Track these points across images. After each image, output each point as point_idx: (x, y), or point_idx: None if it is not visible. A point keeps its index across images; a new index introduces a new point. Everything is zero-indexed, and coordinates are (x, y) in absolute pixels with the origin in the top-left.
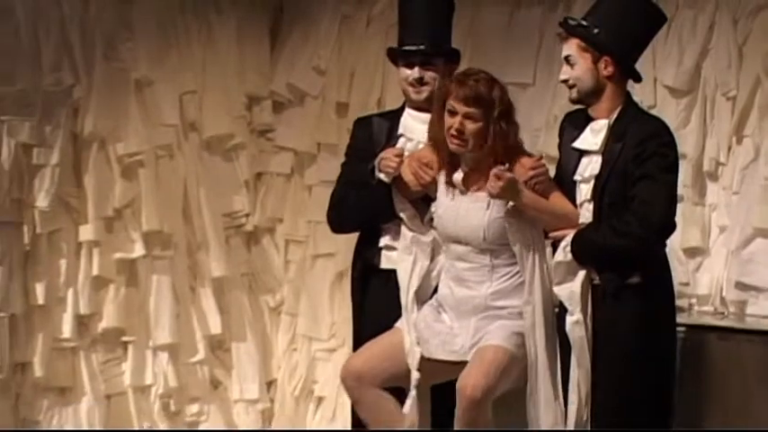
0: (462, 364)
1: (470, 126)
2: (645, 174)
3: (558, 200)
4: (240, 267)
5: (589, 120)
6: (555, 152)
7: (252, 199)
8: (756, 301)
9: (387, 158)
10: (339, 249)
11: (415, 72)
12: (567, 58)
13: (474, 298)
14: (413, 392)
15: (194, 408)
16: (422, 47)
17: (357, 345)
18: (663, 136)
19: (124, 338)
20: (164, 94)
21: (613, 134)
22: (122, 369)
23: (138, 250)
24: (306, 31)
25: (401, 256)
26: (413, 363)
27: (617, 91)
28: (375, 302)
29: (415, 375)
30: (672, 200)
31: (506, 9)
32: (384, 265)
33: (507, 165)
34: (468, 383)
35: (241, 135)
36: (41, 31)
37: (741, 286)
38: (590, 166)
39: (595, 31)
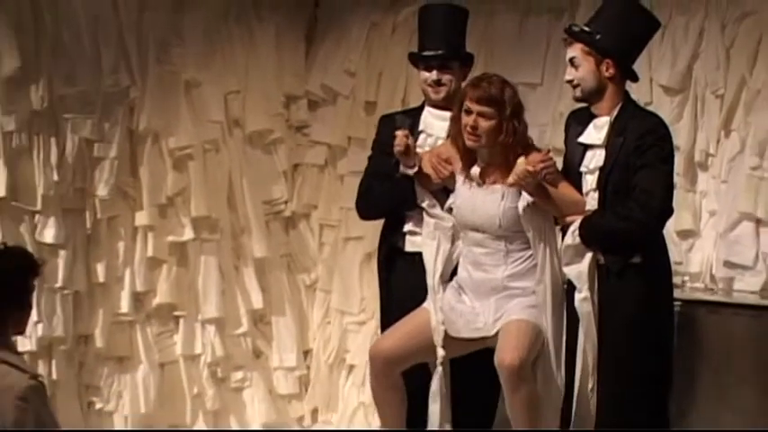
0: (484, 340)
1: (483, 123)
2: (644, 164)
3: (566, 189)
4: (279, 249)
5: (592, 117)
6: (561, 145)
7: (289, 188)
8: (742, 278)
9: (396, 139)
10: (367, 233)
11: (433, 74)
12: (571, 61)
13: (491, 280)
14: (439, 369)
15: (239, 375)
16: (440, 52)
17: (384, 320)
18: (660, 130)
19: (176, 313)
20: (210, 94)
21: (615, 129)
22: (174, 340)
23: (188, 234)
24: (338, 37)
25: (425, 240)
26: (438, 340)
27: (617, 90)
28: (400, 283)
29: (440, 353)
30: (669, 187)
31: (517, 17)
32: (408, 248)
33: (525, 158)
34: (506, 358)
35: (280, 131)
36: (101, 38)
37: (729, 265)
38: (594, 159)
39: (598, 36)
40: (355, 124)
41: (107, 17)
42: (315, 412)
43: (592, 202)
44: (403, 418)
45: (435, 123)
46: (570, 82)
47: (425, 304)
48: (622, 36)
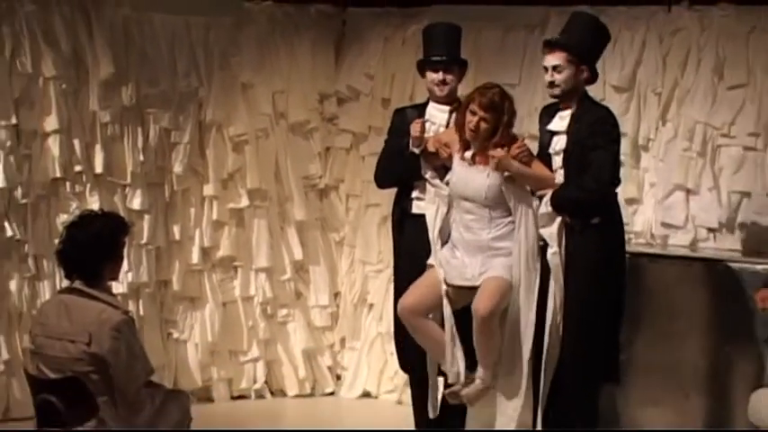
0: (474, 289)
1: (483, 125)
2: (596, 145)
3: (538, 168)
4: (315, 213)
5: (558, 110)
6: (536, 132)
7: (323, 166)
8: (675, 236)
9: (413, 126)
10: (383, 201)
11: (439, 75)
12: (555, 67)
13: (479, 241)
14: (447, 310)
15: (284, 311)
16: (443, 57)
17: (396, 269)
18: (608, 119)
19: (235, 263)
20: (261, 93)
21: (574, 119)
22: (234, 285)
23: (244, 202)
24: (360, 48)
25: (427, 205)
26: (442, 286)
27: (579, 89)
28: (409, 238)
29: (443, 287)
30: (616, 162)
31: (499, 32)
32: (414, 211)
33: (505, 148)
34: (480, 307)
35: (315, 121)
36: (177, 50)
37: (665, 225)
38: (559, 143)
39: (571, 44)
40: (374, 116)
41: (181, 34)
42: (343, 340)
43: (560, 178)
44: (442, 338)
45: (438, 114)
46: (552, 84)
47: (429, 260)
48: (591, 47)
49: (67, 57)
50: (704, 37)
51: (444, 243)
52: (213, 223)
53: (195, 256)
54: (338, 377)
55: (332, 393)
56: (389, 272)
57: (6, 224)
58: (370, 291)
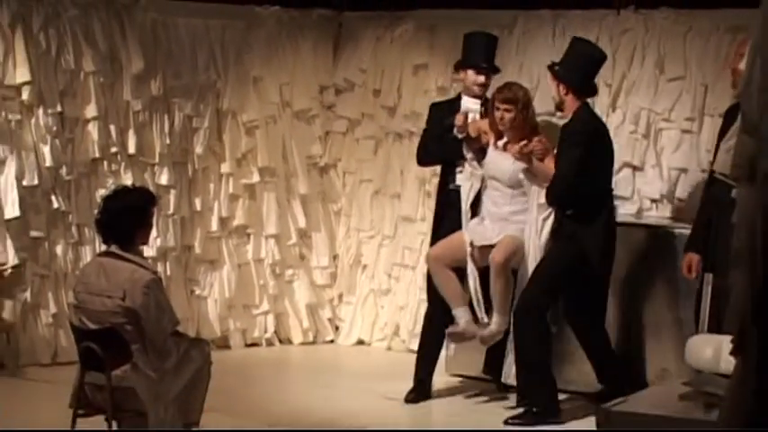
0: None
1: (507, 115)
2: (561, 150)
3: (549, 164)
4: (316, 188)
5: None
6: None
7: (323, 147)
8: (624, 205)
9: (458, 117)
10: (374, 177)
11: (482, 78)
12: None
13: (500, 213)
14: (470, 267)
15: (290, 271)
16: (485, 65)
17: (434, 232)
18: (577, 128)
19: (248, 231)
20: (270, 85)
21: (564, 126)
22: (247, 249)
23: (256, 178)
24: (354, 46)
25: (463, 181)
26: (467, 248)
27: (573, 102)
28: (446, 207)
29: (467, 239)
30: (571, 165)
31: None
32: (451, 186)
33: (526, 141)
34: (496, 256)
35: (316, 109)
36: (197, 49)
37: (615, 197)
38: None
39: (557, 68)
40: (366, 104)
41: (201, 34)
42: (340, 296)
43: None
44: (459, 288)
45: (472, 107)
46: (553, 98)
47: (463, 229)
48: (573, 68)
49: (104, 54)
50: (648, 36)
51: (474, 215)
52: (229, 196)
53: (214, 225)
54: (336, 327)
55: (331, 341)
56: (380, 237)
57: (53, 198)
58: (364, 253)
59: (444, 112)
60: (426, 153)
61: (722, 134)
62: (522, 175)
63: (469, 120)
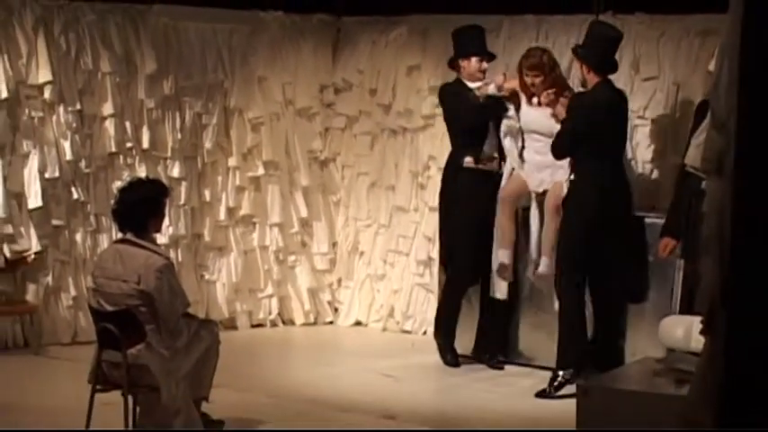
0: (544, 193)
1: (536, 80)
2: (568, 113)
3: (562, 109)
4: (317, 180)
5: None
6: None
7: (323, 142)
8: None
9: (498, 78)
10: (370, 170)
11: (485, 64)
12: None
13: (546, 161)
14: (534, 209)
15: (292, 257)
16: (485, 53)
17: (447, 214)
18: (575, 100)
19: (253, 220)
20: (273, 84)
21: (578, 94)
22: (253, 237)
23: (261, 171)
24: (352, 48)
25: (506, 137)
26: (531, 187)
27: (594, 78)
28: (463, 188)
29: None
30: (564, 133)
31: None
32: (466, 165)
33: (553, 89)
34: (550, 202)
35: (317, 107)
36: (207, 51)
37: None
38: None
39: (579, 50)
40: (363, 103)
41: (210, 38)
42: (339, 280)
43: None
44: (511, 233)
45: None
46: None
47: (515, 171)
48: (591, 48)
49: (120, 56)
50: (624, 39)
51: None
52: (236, 188)
53: (222, 214)
54: (336, 310)
55: (331, 323)
56: (376, 226)
57: (73, 189)
58: (361, 241)
59: (459, 89)
60: (477, 117)
61: (693, 129)
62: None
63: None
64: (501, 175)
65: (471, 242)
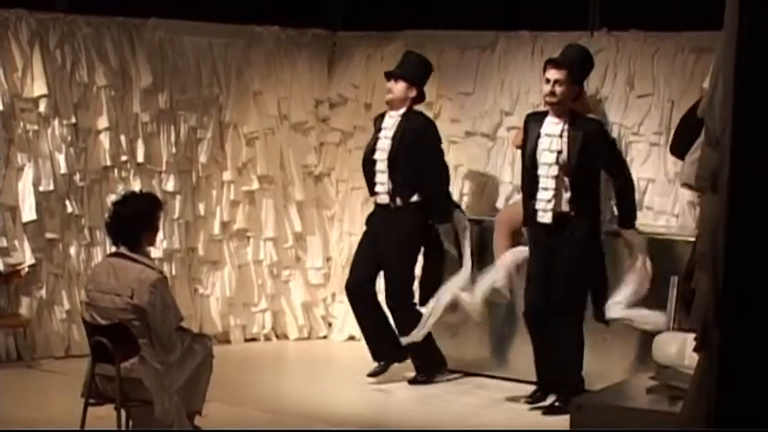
0: None
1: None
2: (610, 148)
3: None
4: (311, 195)
5: (546, 117)
6: (486, 131)
7: (318, 157)
8: None
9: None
10: (364, 185)
11: (391, 83)
12: (558, 81)
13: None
14: None
15: (287, 272)
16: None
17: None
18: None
19: (248, 234)
20: (268, 99)
21: (572, 127)
22: (247, 251)
23: (255, 185)
24: (347, 63)
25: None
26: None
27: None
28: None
29: None
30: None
31: (458, 52)
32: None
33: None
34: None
35: (311, 122)
36: (202, 65)
37: None
38: (553, 143)
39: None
40: (358, 117)
41: (205, 52)
42: (333, 295)
43: (547, 171)
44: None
45: None
46: (552, 94)
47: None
48: (581, 69)
49: (115, 70)
50: (619, 56)
51: None
52: (231, 202)
53: (216, 228)
54: (329, 324)
55: (324, 337)
56: None
57: (67, 202)
58: None
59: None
60: (366, 158)
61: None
62: None
63: None
64: (393, 208)
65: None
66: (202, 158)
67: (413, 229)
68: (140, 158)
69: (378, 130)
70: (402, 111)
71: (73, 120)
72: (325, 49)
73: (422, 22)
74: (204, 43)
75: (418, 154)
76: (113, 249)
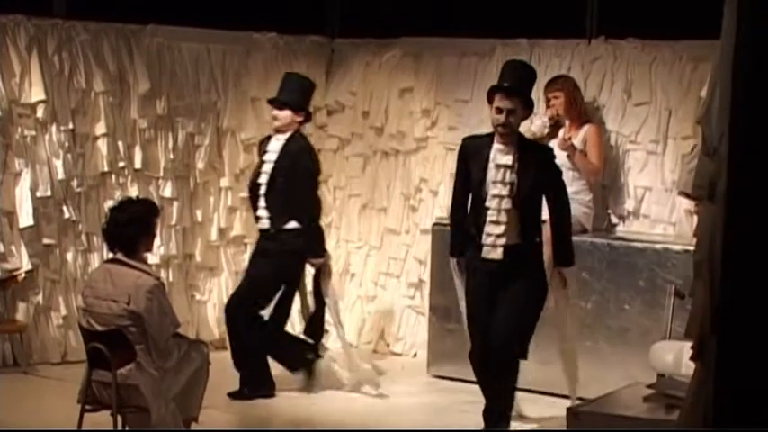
0: None
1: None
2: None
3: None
4: None
5: (491, 142)
6: None
7: None
8: (595, 220)
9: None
10: (362, 192)
11: (274, 111)
12: (511, 110)
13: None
14: None
15: None
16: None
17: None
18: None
19: (245, 240)
20: (266, 106)
21: (525, 153)
22: (244, 257)
23: None
24: (345, 70)
25: None
26: None
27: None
28: None
29: None
30: None
31: (456, 59)
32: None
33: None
34: None
35: (309, 128)
36: (200, 71)
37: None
38: (507, 174)
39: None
40: (356, 125)
41: (203, 58)
42: None
43: (500, 190)
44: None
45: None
46: (505, 125)
47: None
48: (530, 89)
49: (113, 76)
50: (616, 64)
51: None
52: (228, 209)
53: (214, 235)
54: (327, 331)
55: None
56: (367, 248)
57: (65, 208)
58: (352, 263)
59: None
60: (252, 179)
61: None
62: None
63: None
64: (272, 233)
65: None
66: (200, 165)
67: (283, 257)
68: (138, 164)
69: (262, 153)
70: (288, 134)
71: (70, 125)
72: (322, 56)
73: (420, 29)
74: (202, 50)
75: (296, 179)
76: (110, 255)
